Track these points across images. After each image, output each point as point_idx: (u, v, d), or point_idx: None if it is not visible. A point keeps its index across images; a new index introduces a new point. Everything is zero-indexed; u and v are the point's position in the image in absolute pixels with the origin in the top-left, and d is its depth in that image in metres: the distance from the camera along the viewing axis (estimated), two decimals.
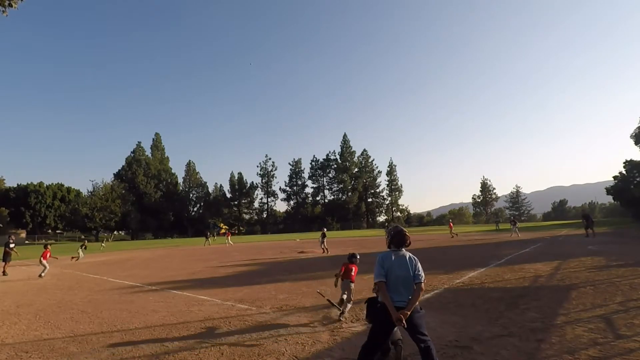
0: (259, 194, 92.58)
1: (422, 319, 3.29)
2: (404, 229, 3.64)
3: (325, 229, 22.45)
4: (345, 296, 6.14)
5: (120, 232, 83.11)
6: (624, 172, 42.23)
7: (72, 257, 20.98)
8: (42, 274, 13.28)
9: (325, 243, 20.46)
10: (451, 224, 32.91)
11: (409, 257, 3.41)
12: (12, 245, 15.69)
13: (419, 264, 3.42)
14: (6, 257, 15.31)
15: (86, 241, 26.32)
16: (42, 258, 13.60)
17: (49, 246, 14.33)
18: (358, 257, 6.68)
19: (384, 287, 3.29)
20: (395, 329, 3.90)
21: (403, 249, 3.50)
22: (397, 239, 3.51)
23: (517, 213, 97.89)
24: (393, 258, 3.39)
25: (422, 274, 3.38)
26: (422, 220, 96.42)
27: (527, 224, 56.11)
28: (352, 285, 6.26)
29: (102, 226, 72.43)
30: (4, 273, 14.42)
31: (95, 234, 74.07)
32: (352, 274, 6.32)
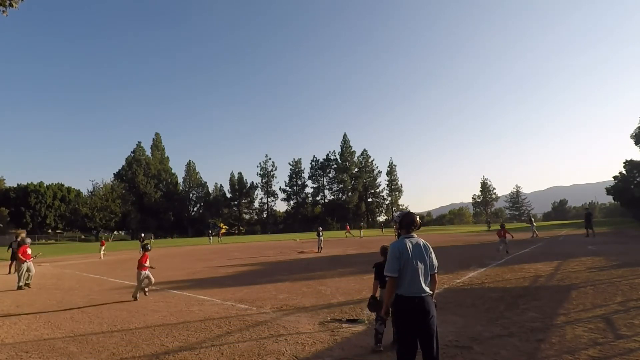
0: (259, 194, 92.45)
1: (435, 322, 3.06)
2: (410, 211, 3.44)
3: (320, 228, 22.19)
4: None
5: (120, 232, 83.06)
6: (624, 172, 42.18)
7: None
8: (147, 291, 8.77)
9: (321, 242, 20.66)
10: (348, 227, 40.39)
11: (424, 244, 3.22)
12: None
13: (432, 252, 3.25)
14: (15, 256, 15.44)
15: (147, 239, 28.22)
16: (140, 267, 8.45)
17: (149, 247, 9.13)
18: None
19: (394, 284, 3.10)
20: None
21: (415, 234, 3.27)
22: (407, 220, 3.28)
23: (517, 213, 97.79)
24: (410, 248, 3.11)
25: (436, 264, 3.24)
26: (422, 220, 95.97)
27: (526, 224, 56.08)
28: None
29: (103, 226, 72.37)
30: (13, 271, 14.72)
31: (95, 233, 74.03)
32: None
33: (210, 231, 46.27)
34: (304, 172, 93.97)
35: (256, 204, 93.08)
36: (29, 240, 11.73)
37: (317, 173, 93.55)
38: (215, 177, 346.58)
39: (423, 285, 3.07)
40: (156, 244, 31.00)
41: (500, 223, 15.03)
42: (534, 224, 26.29)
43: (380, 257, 5.09)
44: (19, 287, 10.61)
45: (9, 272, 14.71)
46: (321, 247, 20.52)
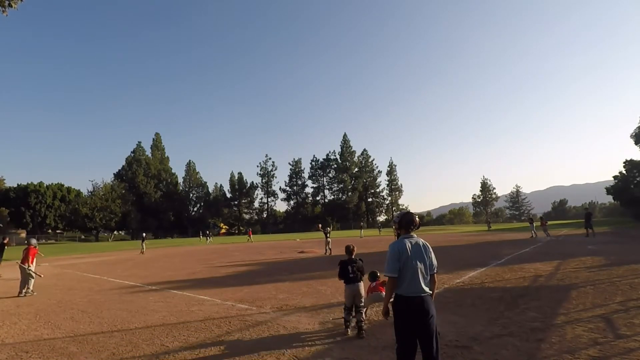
0: (259, 193, 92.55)
1: (434, 323, 3.05)
2: (410, 211, 3.45)
3: (329, 228, 20.63)
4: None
5: (120, 232, 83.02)
6: (624, 172, 42.21)
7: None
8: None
9: (329, 243, 18.88)
10: (250, 232, 44.91)
11: (423, 244, 3.21)
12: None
13: (432, 252, 3.24)
14: None
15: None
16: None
17: None
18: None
19: (393, 284, 3.10)
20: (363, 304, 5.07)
21: (414, 234, 3.28)
22: (406, 220, 3.29)
23: (517, 213, 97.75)
24: (410, 248, 3.12)
25: (436, 264, 3.23)
26: (422, 220, 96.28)
27: (526, 223, 56.20)
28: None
29: (103, 226, 72.34)
30: None
31: (95, 233, 74.01)
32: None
33: (207, 232, 46.49)
34: (304, 172, 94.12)
35: (256, 204, 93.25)
36: (34, 241, 10.58)
37: (317, 173, 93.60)
38: (215, 177, 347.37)
39: (423, 285, 3.07)
40: (156, 244, 30.93)
41: (541, 217, 21.97)
42: (537, 225, 25.60)
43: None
44: (23, 295, 9.50)
45: None
46: (329, 249, 18.59)
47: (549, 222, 60.69)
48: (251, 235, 43.41)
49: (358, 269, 5.30)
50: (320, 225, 19.50)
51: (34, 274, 9.83)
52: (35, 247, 10.31)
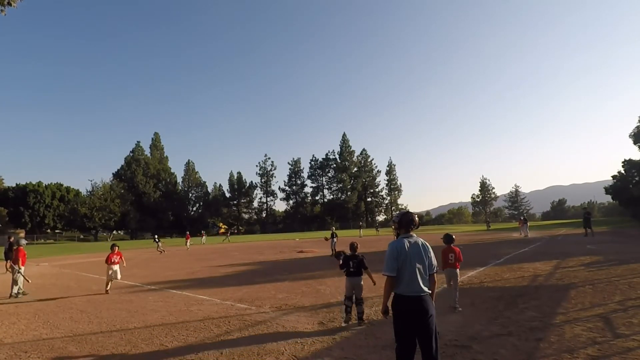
0: (258, 193, 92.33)
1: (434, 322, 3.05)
2: (409, 211, 3.46)
3: (334, 228, 21.06)
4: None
5: (119, 231, 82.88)
6: (623, 172, 42.23)
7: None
8: None
9: (335, 244, 18.21)
10: (188, 236, 34.74)
11: (422, 243, 3.20)
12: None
13: (432, 251, 3.24)
14: (9, 255, 15.12)
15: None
16: None
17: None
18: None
19: (392, 283, 3.10)
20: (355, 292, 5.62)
21: (414, 234, 3.28)
22: (406, 220, 3.30)
23: (516, 212, 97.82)
24: (408, 247, 3.12)
25: (435, 264, 3.23)
26: (422, 219, 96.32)
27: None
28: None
29: (102, 226, 72.21)
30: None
31: (94, 233, 73.89)
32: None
33: (202, 231, 45.60)
34: (303, 172, 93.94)
35: (255, 204, 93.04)
36: (23, 241, 10.20)
37: (317, 172, 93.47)
38: (215, 176, 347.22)
39: (422, 284, 3.07)
40: (155, 244, 30.88)
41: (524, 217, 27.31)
42: (528, 225, 26.36)
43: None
44: (14, 295, 9.27)
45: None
46: (335, 250, 18.06)
47: (547, 222, 61.25)
48: (189, 240, 32.36)
49: (359, 264, 5.79)
50: (332, 235, 19.29)
51: (22, 276, 9.48)
52: (24, 247, 9.99)
